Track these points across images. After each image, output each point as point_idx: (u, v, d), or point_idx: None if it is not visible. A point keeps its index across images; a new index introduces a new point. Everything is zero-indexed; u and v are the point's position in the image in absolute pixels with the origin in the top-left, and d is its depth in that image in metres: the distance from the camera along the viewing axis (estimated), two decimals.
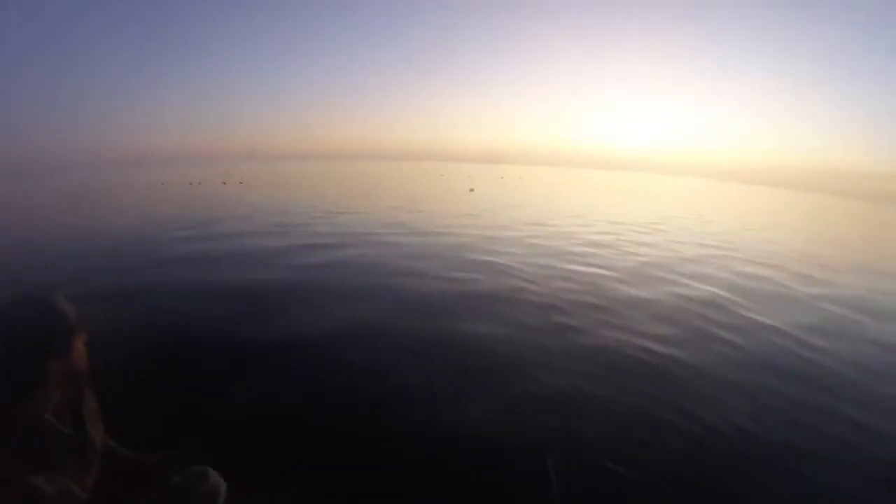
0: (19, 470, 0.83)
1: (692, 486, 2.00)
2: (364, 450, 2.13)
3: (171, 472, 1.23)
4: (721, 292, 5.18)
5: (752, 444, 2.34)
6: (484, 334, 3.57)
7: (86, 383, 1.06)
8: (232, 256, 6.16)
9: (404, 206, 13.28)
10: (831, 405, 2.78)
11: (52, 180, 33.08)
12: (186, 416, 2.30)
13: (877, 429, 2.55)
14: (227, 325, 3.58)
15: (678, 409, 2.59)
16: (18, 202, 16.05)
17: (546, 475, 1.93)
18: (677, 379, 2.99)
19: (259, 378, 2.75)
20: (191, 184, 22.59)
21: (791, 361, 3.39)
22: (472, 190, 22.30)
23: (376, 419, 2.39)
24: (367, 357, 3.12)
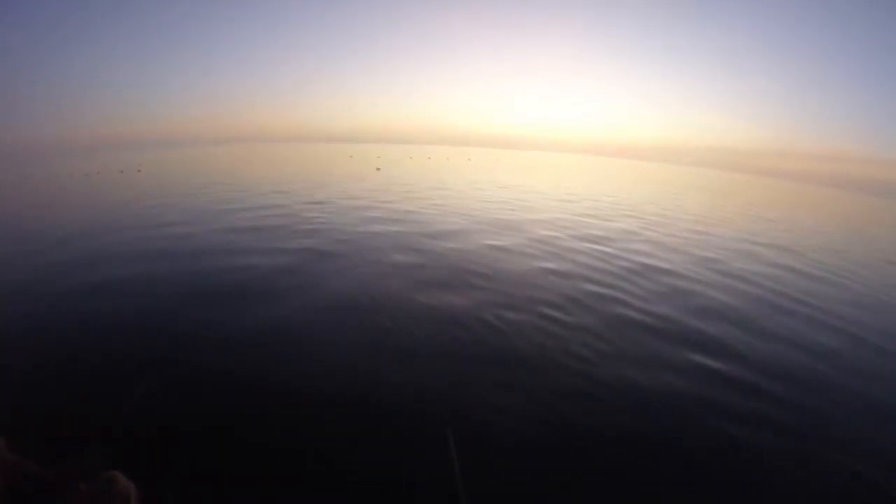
0: None
1: None
2: (273, 439, 2.13)
3: (77, 481, 1.23)
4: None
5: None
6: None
7: None
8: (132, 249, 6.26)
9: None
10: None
11: None
12: (88, 421, 2.13)
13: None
14: (113, 324, 3.45)
15: None
16: None
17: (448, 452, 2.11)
18: None
19: (158, 375, 2.63)
20: (87, 175, 20.72)
21: None
22: (378, 169, 22.71)
23: (286, 402, 2.44)
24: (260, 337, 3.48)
